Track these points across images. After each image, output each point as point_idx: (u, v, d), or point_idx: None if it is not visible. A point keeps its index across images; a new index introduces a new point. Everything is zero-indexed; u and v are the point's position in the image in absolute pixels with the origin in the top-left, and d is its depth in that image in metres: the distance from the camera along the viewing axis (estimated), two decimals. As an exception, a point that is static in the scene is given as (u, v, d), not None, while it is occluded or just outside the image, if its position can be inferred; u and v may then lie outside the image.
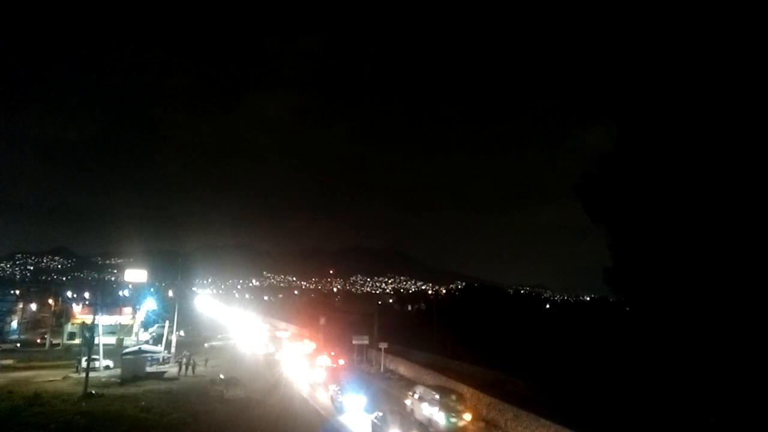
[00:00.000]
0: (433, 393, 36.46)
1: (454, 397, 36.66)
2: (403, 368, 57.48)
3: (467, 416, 34.96)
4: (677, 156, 26.89)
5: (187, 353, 62.55)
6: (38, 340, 79.71)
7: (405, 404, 39.02)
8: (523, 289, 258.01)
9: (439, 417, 34.12)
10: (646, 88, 31.09)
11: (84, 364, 56.04)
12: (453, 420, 33.97)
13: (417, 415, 36.38)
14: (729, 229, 24.30)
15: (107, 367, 57.03)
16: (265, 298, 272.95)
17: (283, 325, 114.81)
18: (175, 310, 75.50)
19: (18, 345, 76.45)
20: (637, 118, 30.32)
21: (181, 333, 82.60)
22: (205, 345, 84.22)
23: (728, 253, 24.25)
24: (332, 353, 61.17)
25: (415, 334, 78.96)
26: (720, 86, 26.56)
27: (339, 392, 40.75)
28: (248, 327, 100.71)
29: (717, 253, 24.56)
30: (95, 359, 53.62)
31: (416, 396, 37.95)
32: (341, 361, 58.53)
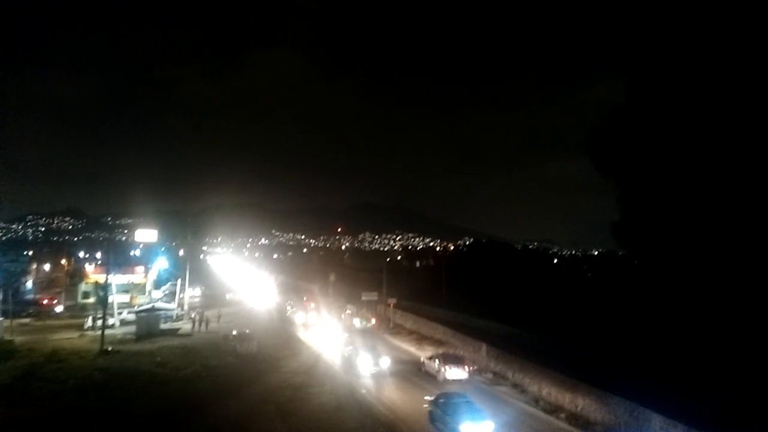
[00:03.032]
0: (354, 308, 65.73)
1: (364, 310, 64.53)
2: (411, 323, 58.30)
3: (372, 320, 61.65)
4: (688, 109, 26.42)
5: (200, 310, 63.59)
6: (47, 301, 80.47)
7: (341, 317, 63.15)
8: (531, 245, 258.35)
9: (356, 322, 60.06)
10: (656, 42, 30.36)
11: (91, 322, 57.29)
12: (363, 322, 60.17)
13: (346, 323, 59.87)
14: (741, 183, 24.06)
15: (113, 326, 56.64)
16: (275, 256, 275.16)
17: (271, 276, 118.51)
18: (186, 269, 76.47)
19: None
20: (648, 72, 29.72)
21: (197, 292, 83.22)
22: (227, 297, 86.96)
23: (739, 206, 24.08)
24: (305, 298, 79.83)
25: (424, 290, 79.80)
26: (732, 41, 25.87)
27: (445, 409, 26.23)
28: (259, 284, 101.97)
29: (729, 207, 24.39)
30: (109, 317, 54.16)
31: (346, 312, 64.86)
32: (312, 305, 72.63)
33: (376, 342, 47.51)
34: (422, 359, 40.17)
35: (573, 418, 28.53)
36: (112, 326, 55.92)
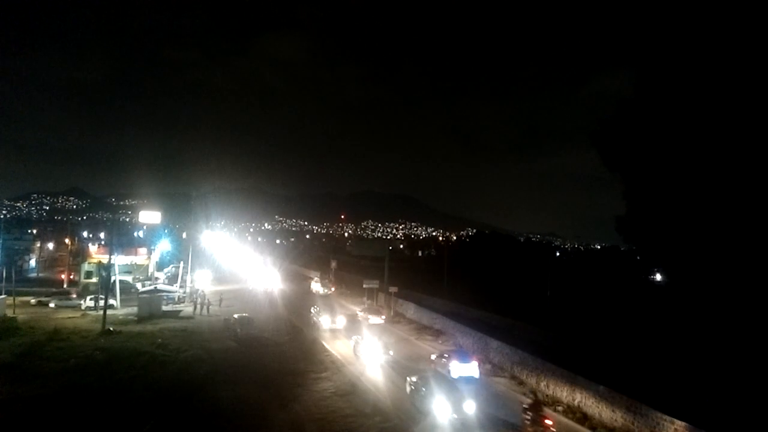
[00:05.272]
0: (318, 278, 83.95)
1: (326, 280, 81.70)
2: (412, 312, 58.37)
3: (332, 289, 78.24)
4: (697, 103, 26.16)
5: (202, 293, 63.77)
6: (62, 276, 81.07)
7: (311, 287, 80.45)
8: (534, 237, 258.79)
9: (320, 288, 77.39)
10: (666, 34, 30.00)
11: (89, 302, 57.54)
12: (325, 290, 76.72)
13: (313, 291, 77.95)
14: (751, 179, 23.83)
15: (111, 306, 54.73)
16: (277, 241, 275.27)
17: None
18: (189, 252, 76.63)
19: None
20: (657, 65, 29.40)
21: (207, 276, 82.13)
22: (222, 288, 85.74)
23: (750, 202, 23.88)
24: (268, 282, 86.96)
25: (425, 280, 79.80)
26: (742, 35, 25.55)
27: None
28: (261, 269, 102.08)
29: (740, 203, 24.18)
30: (101, 298, 53.90)
31: (312, 282, 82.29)
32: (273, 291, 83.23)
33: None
34: (357, 312, 55.30)
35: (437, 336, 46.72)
36: (112, 306, 56.14)
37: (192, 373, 33.88)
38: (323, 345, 42.20)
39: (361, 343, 39.00)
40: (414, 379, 28.69)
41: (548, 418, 23.44)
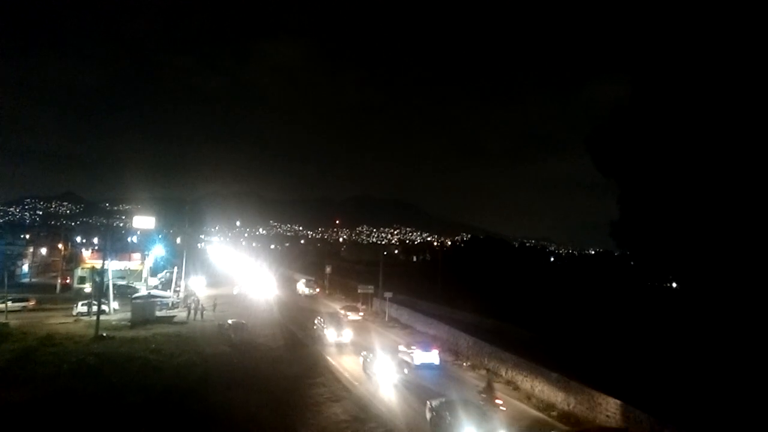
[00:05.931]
0: (304, 279, 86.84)
1: (312, 281, 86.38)
2: (406, 316, 58.35)
3: (317, 290, 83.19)
4: (692, 109, 26.32)
5: (196, 298, 63.49)
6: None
7: (296, 288, 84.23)
8: (528, 242, 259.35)
9: (305, 289, 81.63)
10: (662, 41, 30.21)
11: (81, 307, 57.07)
12: (310, 290, 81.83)
13: (299, 292, 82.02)
14: (745, 186, 23.97)
15: (104, 311, 53.13)
16: (272, 246, 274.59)
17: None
18: (183, 257, 76.32)
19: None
20: (652, 71, 29.59)
21: (201, 282, 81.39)
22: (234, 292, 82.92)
23: (744, 209, 24.01)
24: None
25: (420, 285, 79.78)
26: (737, 41, 25.75)
27: None
28: (255, 274, 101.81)
29: (733, 210, 24.31)
30: (95, 303, 53.38)
31: (299, 283, 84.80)
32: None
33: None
34: (338, 309, 60.37)
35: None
36: (104, 312, 55.78)
37: (185, 378, 33.70)
38: (328, 361, 39.45)
39: (370, 359, 35.41)
40: (435, 404, 24.72)
41: (498, 398, 27.47)
